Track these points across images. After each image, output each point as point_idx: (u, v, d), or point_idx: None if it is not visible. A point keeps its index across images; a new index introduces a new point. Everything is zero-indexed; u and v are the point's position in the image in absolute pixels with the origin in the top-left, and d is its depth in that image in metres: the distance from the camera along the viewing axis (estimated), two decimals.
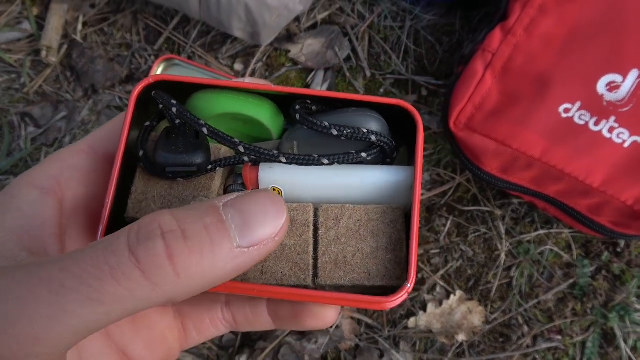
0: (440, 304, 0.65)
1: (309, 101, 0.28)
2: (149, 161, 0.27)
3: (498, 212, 0.65)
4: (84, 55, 0.70)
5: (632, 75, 0.51)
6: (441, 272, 0.66)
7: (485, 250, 0.66)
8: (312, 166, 0.27)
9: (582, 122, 0.52)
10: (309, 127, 0.27)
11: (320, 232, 0.27)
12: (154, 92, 0.27)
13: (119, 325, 0.30)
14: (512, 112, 0.53)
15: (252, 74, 0.69)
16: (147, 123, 0.28)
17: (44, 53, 0.69)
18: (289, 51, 0.70)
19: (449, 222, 0.66)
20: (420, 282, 0.66)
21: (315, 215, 0.27)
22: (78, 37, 0.71)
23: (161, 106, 0.27)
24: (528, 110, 0.52)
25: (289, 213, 0.22)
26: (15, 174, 0.68)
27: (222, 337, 0.64)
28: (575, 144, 0.52)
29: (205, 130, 0.26)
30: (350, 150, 0.27)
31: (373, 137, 0.27)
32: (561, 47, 0.53)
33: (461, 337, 0.64)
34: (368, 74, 0.69)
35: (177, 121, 0.27)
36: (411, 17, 0.70)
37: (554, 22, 0.53)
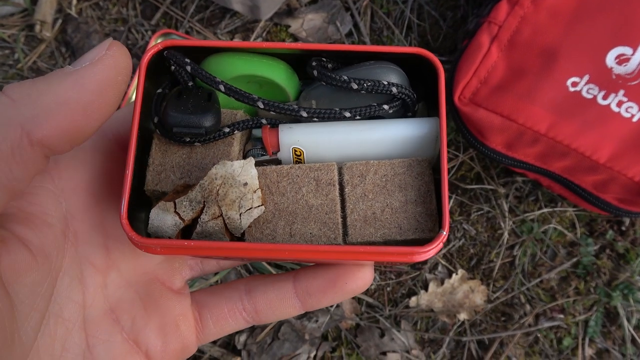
0: (442, 282, 0.64)
1: (324, 59, 0.28)
2: (162, 127, 0.27)
3: (502, 191, 0.64)
4: (79, 30, 0.68)
5: None
6: (443, 250, 0.65)
7: (488, 228, 0.65)
8: (334, 121, 0.27)
9: (590, 96, 0.51)
10: (327, 83, 0.26)
11: (346, 190, 0.26)
12: (166, 51, 0.27)
13: (128, 309, 0.29)
14: (518, 86, 0.51)
15: None
16: (159, 90, 0.28)
17: (37, 28, 0.68)
18: (289, 26, 0.69)
19: (451, 201, 0.65)
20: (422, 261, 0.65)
21: (340, 174, 0.27)
22: (73, 12, 0.69)
23: (173, 67, 0.27)
24: (535, 84, 0.51)
25: (116, 43, 0.23)
26: None
27: None
28: (583, 118, 0.51)
29: (222, 87, 0.26)
30: (372, 103, 0.27)
31: (394, 89, 0.26)
32: (569, 19, 0.51)
33: (463, 316, 0.63)
34: None
35: (190, 83, 0.27)
36: None
37: None
